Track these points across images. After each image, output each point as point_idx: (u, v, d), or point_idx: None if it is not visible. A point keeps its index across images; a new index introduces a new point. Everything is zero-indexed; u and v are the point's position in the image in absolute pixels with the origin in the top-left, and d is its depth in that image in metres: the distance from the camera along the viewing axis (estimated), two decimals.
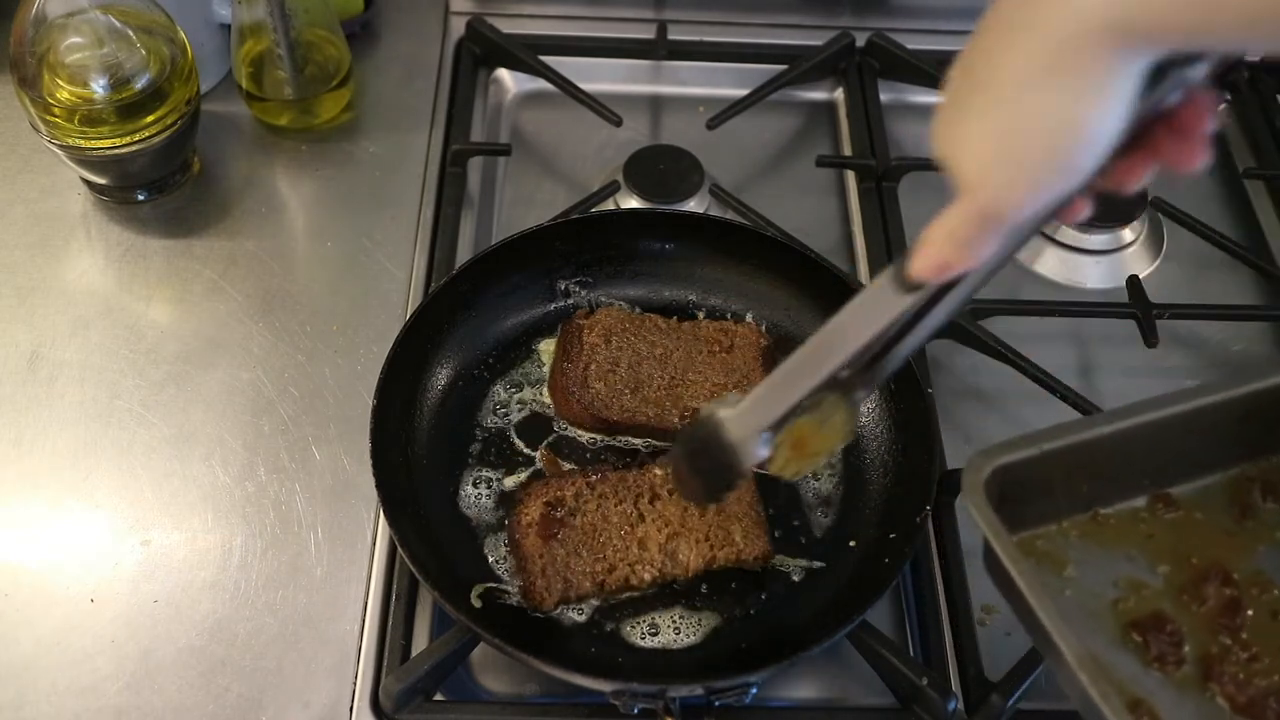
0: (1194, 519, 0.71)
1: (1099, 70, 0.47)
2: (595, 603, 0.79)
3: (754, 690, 0.73)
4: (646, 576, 0.79)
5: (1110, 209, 1.06)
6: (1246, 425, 0.70)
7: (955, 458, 0.90)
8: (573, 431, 0.88)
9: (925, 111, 1.17)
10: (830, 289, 0.91)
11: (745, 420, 0.67)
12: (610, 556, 0.79)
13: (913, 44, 1.16)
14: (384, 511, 0.78)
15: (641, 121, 1.16)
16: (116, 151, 0.95)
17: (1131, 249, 1.06)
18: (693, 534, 0.80)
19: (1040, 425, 0.92)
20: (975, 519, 0.63)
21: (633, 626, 0.79)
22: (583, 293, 0.95)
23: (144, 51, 0.94)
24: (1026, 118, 0.49)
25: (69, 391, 0.91)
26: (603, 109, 1.09)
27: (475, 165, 1.08)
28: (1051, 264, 1.05)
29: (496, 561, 0.81)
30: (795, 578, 0.82)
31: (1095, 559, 0.69)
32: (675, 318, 0.93)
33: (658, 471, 0.83)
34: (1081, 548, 0.70)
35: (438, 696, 0.78)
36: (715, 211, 1.04)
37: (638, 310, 0.94)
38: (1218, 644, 0.66)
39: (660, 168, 1.06)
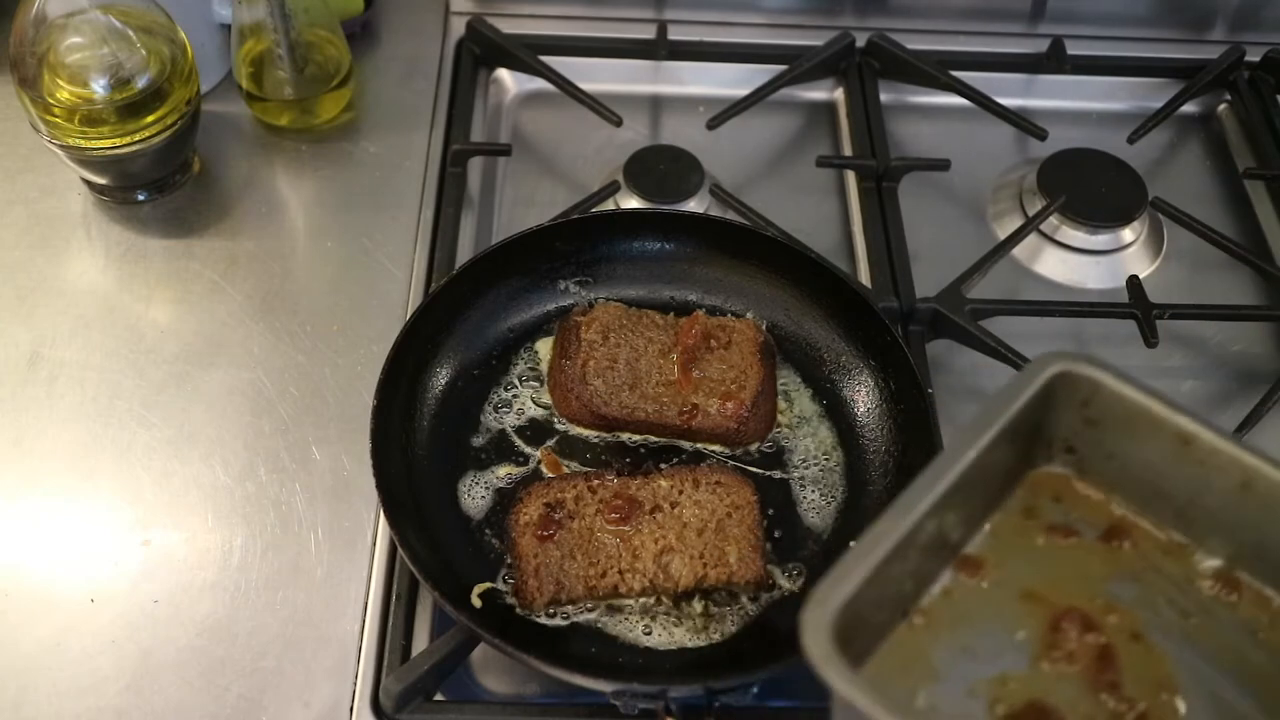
0: (1005, 567, 0.62)
1: None
2: (590, 604, 0.79)
3: (754, 690, 0.73)
4: (636, 585, 0.78)
5: (1110, 209, 1.06)
6: (1009, 453, 0.63)
7: None
8: (573, 430, 0.88)
9: (925, 111, 1.17)
10: (830, 289, 0.91)
11: None
12: (603, 562, 0.79)
13: (913, 44, 1.16)
14: (384, 511, 0.77)
15: (641, 121, 1.16)
16: (116, 151, 0.95)
17: (1131, 249, 1.06)
18: (688, 550, 0.79)
19: None
20: (829, 680, 0.50)
21: (632, 626, 0.79)
22: (583, 293, 0.95)
23: (144, 51, 0.94)
24: None
25: (69, 391, 0.91)
26: (603, 109, 1.09)
27: (475, 165, 1.08)
28: (1051, 264, 1.05)
29: (496, 561, 0.81)
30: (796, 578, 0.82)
31: (939, 666, 0.58)
32: (673, 314, 0.93)
33: (662, 483, 0.83)
34: (918, 660, 0.58)
35: (438, 696, 0.78)
36: (715, 211, 1.04)
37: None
38: (1105, 713, 0.57)
39: (660, 168, 1.06)
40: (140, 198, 1.02)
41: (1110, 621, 0.60)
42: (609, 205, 1.04)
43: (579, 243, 0.94)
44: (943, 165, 1.07)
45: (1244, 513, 0.59)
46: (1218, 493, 0.60)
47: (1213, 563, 0.62)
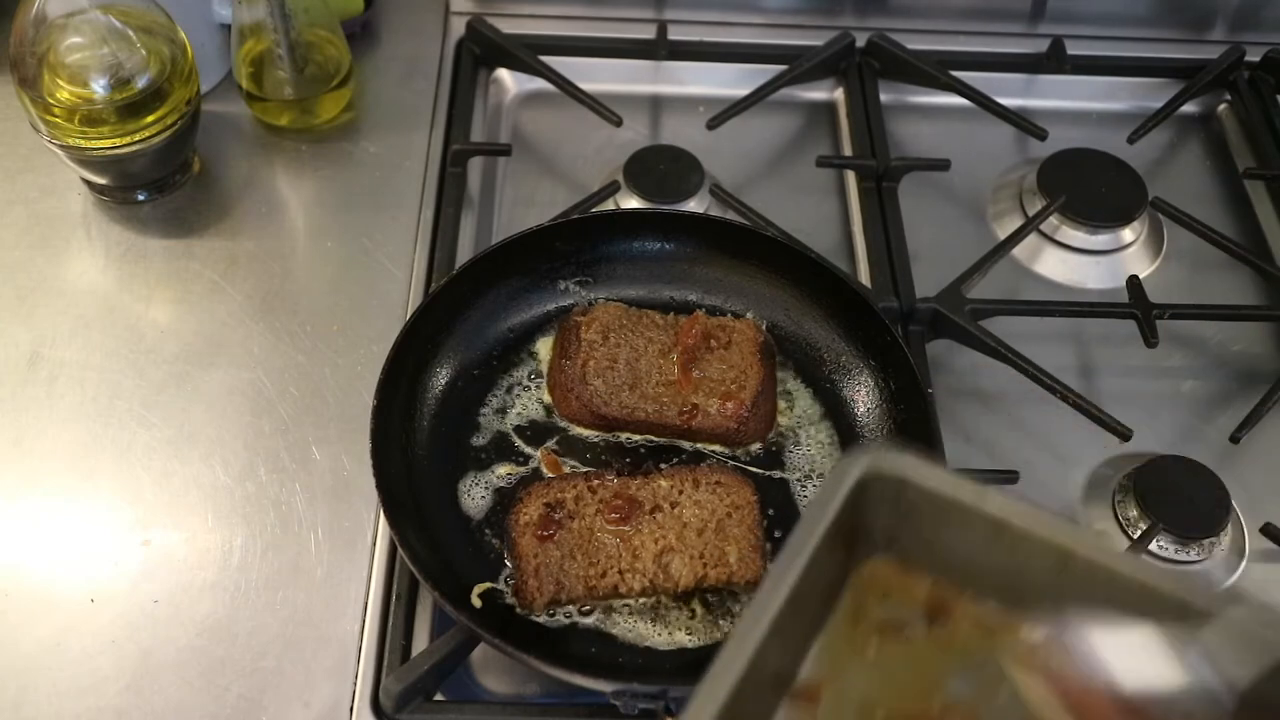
0: (838, 684, 0.59)
1: None
2: (590, 604, 0.79)
3: None
4: (636, 585, 0.78)
5: (1110, 209, 1.06)
6: (832, 561, 0.60)
7: (955, 458, 0.90)
8: (573, 430, 0.88)
9: (925, 111, 1.17)
10: (830, 289, 0.91)
11: None
12: (603, 562, 0.79)
13: (913, 44, 1.16)
14: (384, 511, 0.77)
15: (641, 121, 1.16)
16: (116, 151, 0.95)
17: (1131, 249, 1.06)
18: (688, 550, 0.79)
19: (1040, 426, 0.94)
20: None
21: (632, 626, 0.79)
22: (583, 293, 0.95)
23: (144, 51, 0.94)
24: None
25: (69, 391, 0.91)
26: (603, 109, 1.09)
27: (475, 165, 1.08)
28: (1051, 264, 1.05)
29: (496, 561, 0.81)
30: None
31: None
32: (673, 314, 0.93)
33: (663, 483, 0.83)
34: None
35: (438, 696, 0.78)
36: (715, 211, 1.04)
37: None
38: None
39: (660, 168, 1.06)
40: (140, 198, 1.02)
41: None
42: (609, 205, 1.04)
43: (579, 243, 0.94)
44: (943, 165, 1.07)
45: (1064, 587, 0.58)
46: (1036, 572, 0.59)
47: (1040, 635, 0.60)
